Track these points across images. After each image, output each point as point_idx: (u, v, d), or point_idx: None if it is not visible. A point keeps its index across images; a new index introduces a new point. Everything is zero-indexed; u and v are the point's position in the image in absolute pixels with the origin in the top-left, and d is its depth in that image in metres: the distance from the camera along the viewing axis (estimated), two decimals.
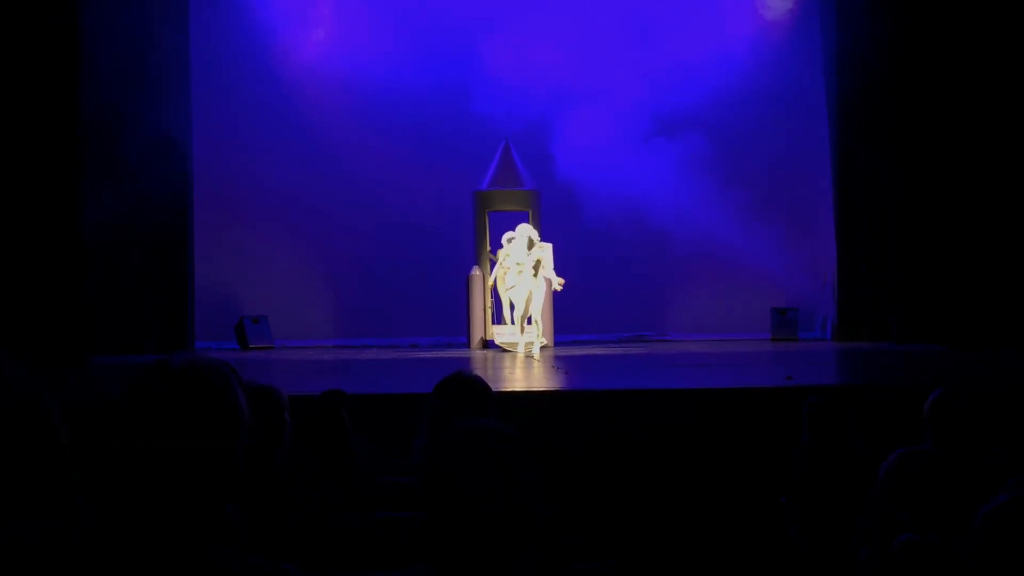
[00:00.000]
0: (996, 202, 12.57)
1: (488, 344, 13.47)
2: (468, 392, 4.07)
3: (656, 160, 14.32)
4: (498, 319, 13.56)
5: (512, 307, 12.49)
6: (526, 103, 14.28)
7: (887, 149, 13.43)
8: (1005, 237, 12.61)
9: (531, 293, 12.08)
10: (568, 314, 13.78)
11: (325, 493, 3.63)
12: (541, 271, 12.16)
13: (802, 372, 9.23)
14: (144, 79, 12.80)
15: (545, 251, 12.25)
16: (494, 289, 12.89)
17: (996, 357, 11.11)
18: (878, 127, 13.50)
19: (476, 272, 13.55)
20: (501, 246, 12.61)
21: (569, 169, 14.22)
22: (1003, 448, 3.73)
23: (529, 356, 11.77)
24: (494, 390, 4.23)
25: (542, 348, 12.34)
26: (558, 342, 13.58)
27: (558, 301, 13.42)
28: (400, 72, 14.35)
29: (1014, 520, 2.25)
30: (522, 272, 12.13)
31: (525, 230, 12.34)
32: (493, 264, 13.04)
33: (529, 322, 12.24)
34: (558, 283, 12.15)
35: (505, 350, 12.77)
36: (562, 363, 11.17)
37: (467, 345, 13.58)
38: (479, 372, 4.37)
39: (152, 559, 1.81)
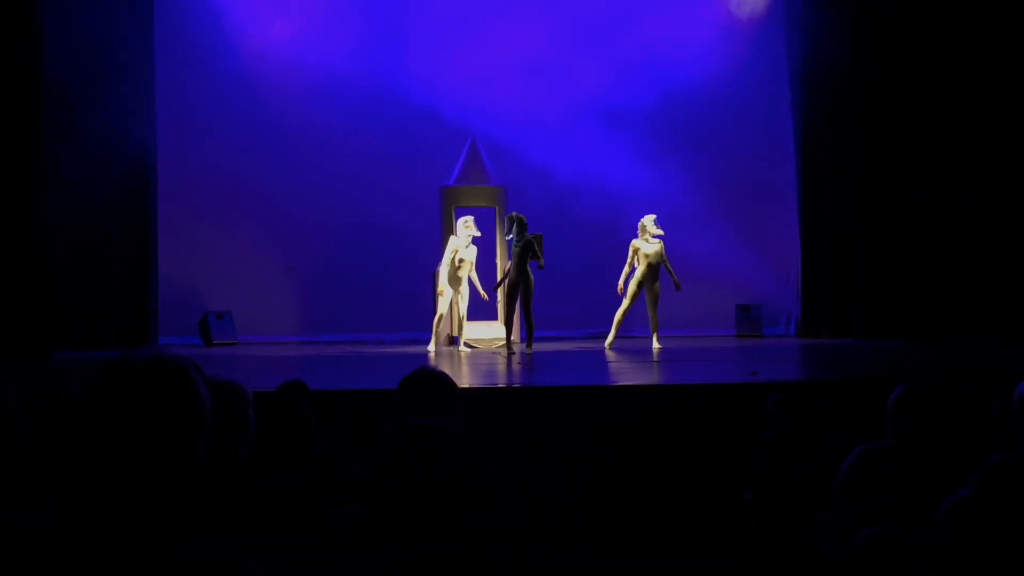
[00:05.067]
0: (954, 201, 12.90)
1: (454, 340, 13.45)
2: (432, 388, 4.06)
3: (622, 157, 14.35)
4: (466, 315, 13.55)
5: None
6: (493, 99, 14.26)
7: (849, 149, 13.63)
8: (963, 234, 12.93)
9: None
10: (536, 311, 13.78)
11: (288, 488, 3.61)
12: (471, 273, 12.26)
13: (766, 368, 9.29)
14: (106, 73, 12.68)
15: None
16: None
17: (956, 351, 11.25)
18: (840, 128, 13.72)
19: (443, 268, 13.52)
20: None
21: (534, 165, 14.22)
22: (965, 441, 3.77)
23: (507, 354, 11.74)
24: (459, 386, 4.22)
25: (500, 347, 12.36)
26: (525, 338, 13.58)
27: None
28: (365, 68, 14.28)
29: (975, 515, 2.27)
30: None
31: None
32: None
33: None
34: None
35: (474, 347, 12.75)
36: (528, 359, 11.19)
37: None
38: (444, 368, 4.36)
39: (114, 554, 1.80)
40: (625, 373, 10.27)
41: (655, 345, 12.28)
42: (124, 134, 12.61)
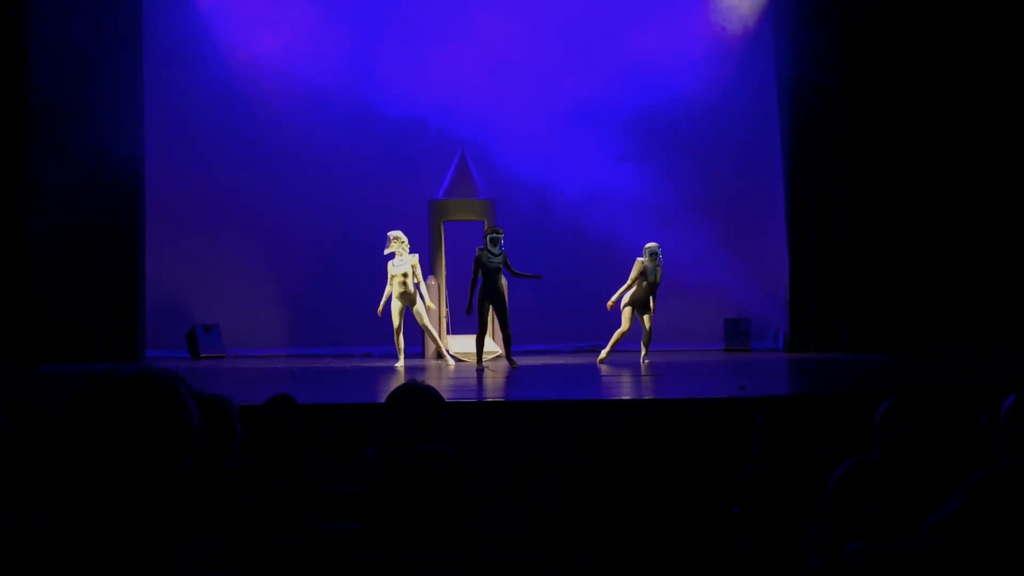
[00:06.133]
0: (940, 216, 13.01)
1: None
2: (420, 402, 4.05)
3: (611, 172, 14.37)
4: (453, 329, 13.54)
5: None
6: (482, 111, 14.27)
7: (837, 165, 13.71)
8: (952, 250, 13.02)
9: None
10: (524, 324, 13.77)
11: (274, 501, 3.59)
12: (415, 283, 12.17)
13: (754, 382, 9.30)
14: (94, 85, 12.67)
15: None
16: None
17: (945, 364, 11.30)
18: (828, 144, 13.82)
19: (432, 281, 13.51)
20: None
21: (522, 177, 14.24)
22: (950, 455, 3.77)
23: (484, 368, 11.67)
24: (447, 400, 4.21)
25: (492, 359, 12.31)
26: (516, 351, 13.55)
27: (514, 311, 13.38)
28: (354, 80, 14.28)
29: (962, 528, 2.27)
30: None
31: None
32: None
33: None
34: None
35: (460, 360, 12.73)
36: (513, 371, 11.17)
37: (422, 355, 13.53)
38: (432, 382, 4.35)
39: (98, 568, 1.79)
40: (615, 387, 10.27)
41: (644, 359, 12.32)
42: (111, 146, 12.58)
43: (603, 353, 12.53)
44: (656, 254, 12.29)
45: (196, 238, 14.35)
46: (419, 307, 12.25)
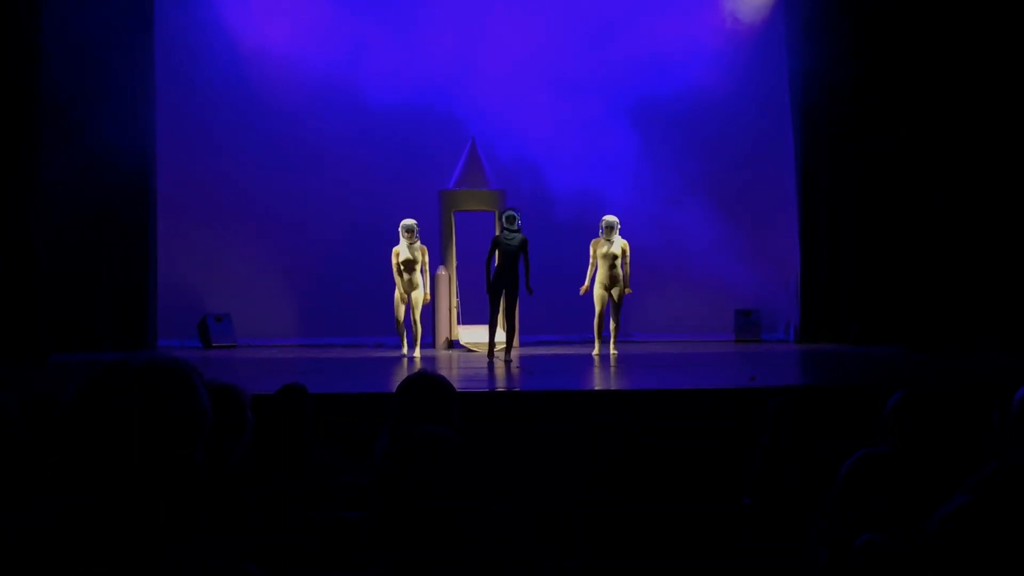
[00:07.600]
0: (948, 212, 12.97)
1: (453, 344, 13.45)
2: (431, 392, 4.06)
3: (622, 162, 14.36)
4: (464, 319, 13.55)
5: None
6: (493, 102, 14.26)
7: (848, 158, 13.66)
8: (962, 241, 12.97)
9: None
10: (534, 314, 13.77)
11: (285, 492, 3.60)
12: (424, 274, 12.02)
13: (765, 373, 9.29)
14: (106, 76, 12.68)
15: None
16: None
17: (956, 357, 11.27)
18: (840, 137, 13.74)
19: (442, 271, 13.52)
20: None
21: (531, 167, 14.23)
22: (960, 450, 3.76)
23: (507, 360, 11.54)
24: (458, 390, 4.22)
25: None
26: (524, 342, 13.56)
27: (525, 302, 13.38)
28: (366, 70, 14.29)
29: (972, 522, 2.27)
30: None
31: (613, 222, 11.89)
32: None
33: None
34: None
35: (470, 350, 12.74)
36: (527, 363, 11.16)
37: (432, 345, 13.55)
38: (443, 372, 4.36)
39: (112, 558, 1.80)
40: (623, 377, 10.27)
41: (612, 351, 12.01)
42: (122, 138, 12.60)
43: (595, 347, 12.28)
44: (607, 227, 11.78)
45: (207, 228, 14.40)
46: (417, 295, 12.06)
